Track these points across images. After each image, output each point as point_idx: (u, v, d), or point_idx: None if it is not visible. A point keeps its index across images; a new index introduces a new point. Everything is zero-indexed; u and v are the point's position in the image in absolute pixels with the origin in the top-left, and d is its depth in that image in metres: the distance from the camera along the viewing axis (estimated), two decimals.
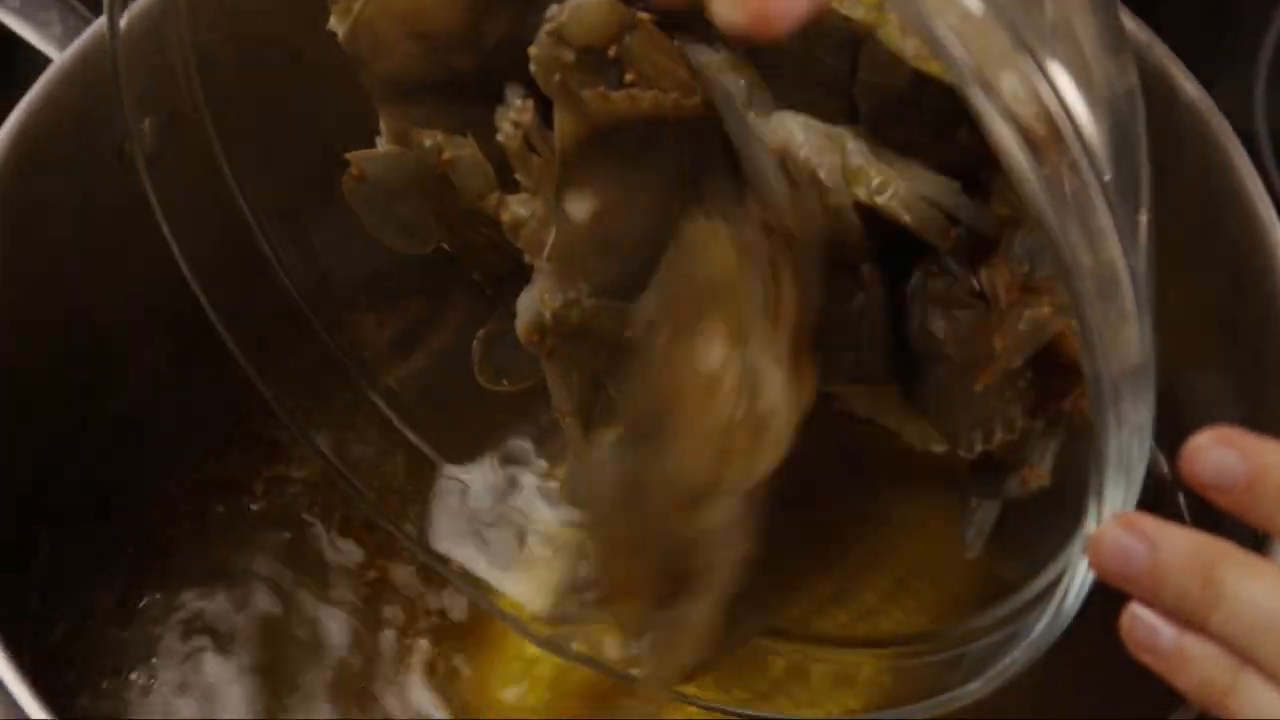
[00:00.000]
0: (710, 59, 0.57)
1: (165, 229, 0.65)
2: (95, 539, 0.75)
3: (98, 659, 0.73)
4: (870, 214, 0.56)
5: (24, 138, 0.67)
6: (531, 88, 0.57)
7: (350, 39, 0.58)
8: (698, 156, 0.56)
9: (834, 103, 0.57)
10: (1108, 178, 0.44)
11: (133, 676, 0.72)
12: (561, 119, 0.55)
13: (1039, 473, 0.57)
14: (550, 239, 0.56)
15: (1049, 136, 0.43)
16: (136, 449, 0.77)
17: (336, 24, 0.58)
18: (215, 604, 0.74)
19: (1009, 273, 0.53)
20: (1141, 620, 0.46)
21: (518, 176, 0.58)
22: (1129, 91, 0.48)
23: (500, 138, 0.58)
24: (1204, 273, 0.70)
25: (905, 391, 0.58)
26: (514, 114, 0.57)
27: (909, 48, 0.55)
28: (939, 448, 0.59)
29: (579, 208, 0.56)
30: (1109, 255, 0.44)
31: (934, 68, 0.55)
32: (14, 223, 0.68)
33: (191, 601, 0.74)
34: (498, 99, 0.58)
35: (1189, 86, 0.69)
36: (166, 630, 0.73)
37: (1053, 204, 0.43)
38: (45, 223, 0.70)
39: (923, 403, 0.57)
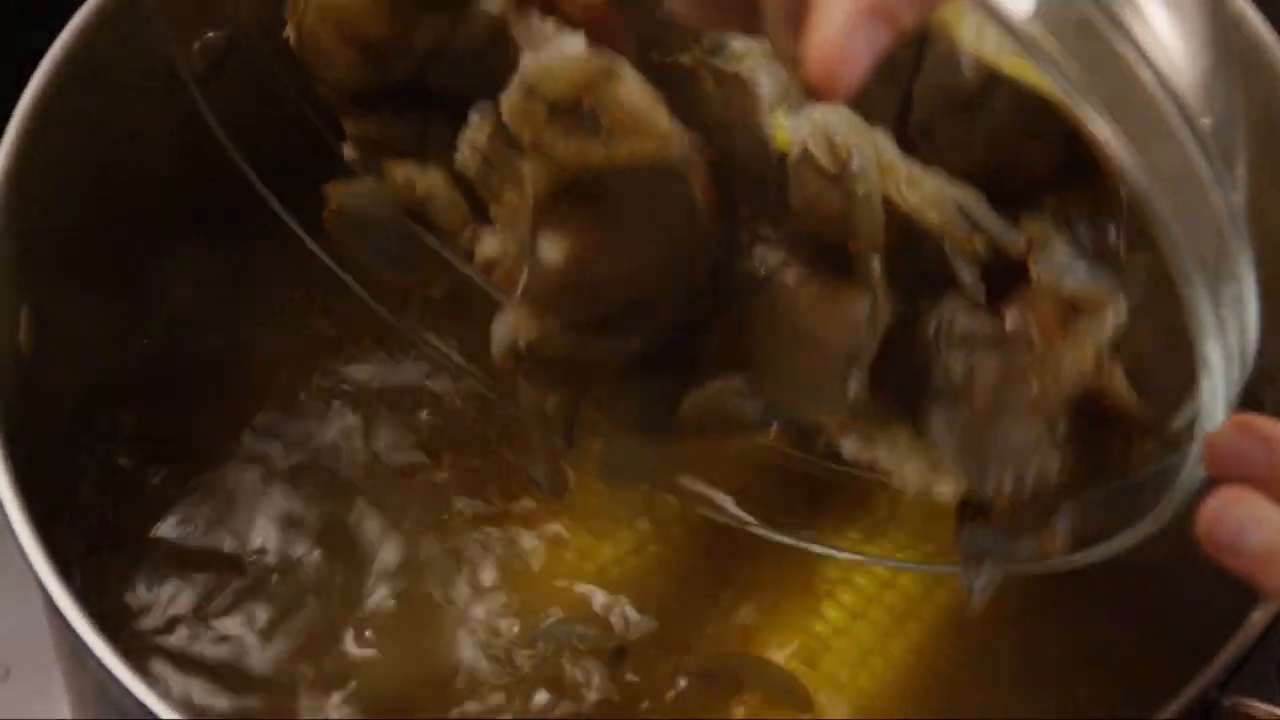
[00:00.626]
0: (746, 48, 0.55)
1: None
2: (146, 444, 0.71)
3: (150, 575, 0.68)
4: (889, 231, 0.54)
5: (80, 47, 0.65)
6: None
7: (298, 46, 0.58)
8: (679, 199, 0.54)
9: (880, 96, 0.54)
10: (1214, 155, 0.44)
11: (182, 603, 0.68)
12: (535, 168, 0.53)
13: (1058, 545, 0.54)
14: (523, 280, 0.55)
15: (1150, 122, 0.42)
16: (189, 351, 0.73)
17: (290, 30, 0.58)
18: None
19: (1047, 307, 0.51)
20: (1227, 520, 0.45)
21: (490, 210, 0.57)
22: (1224, 34, 0.46)
23: (458, 160, 0.57)
24: (1269, 217, 0.65)
25: (919, 426, 0.55)
26: (471, 134, 0.56)
27: (984, 46, 0.53)
28: (943, 490, 0.56)
29: (553, 251, 0.54)
30: (1228, 253, 0.44)
31: (1010, 69, 0.53)
32: (72, 126, 0.67)
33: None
34: (449, 110, 0.57)
35: (1262, 30, 0.66)
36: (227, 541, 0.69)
37: (1159, 189, 0.42)
38: (99, 126, 0.68)
39: (940, 439, 0.55)
